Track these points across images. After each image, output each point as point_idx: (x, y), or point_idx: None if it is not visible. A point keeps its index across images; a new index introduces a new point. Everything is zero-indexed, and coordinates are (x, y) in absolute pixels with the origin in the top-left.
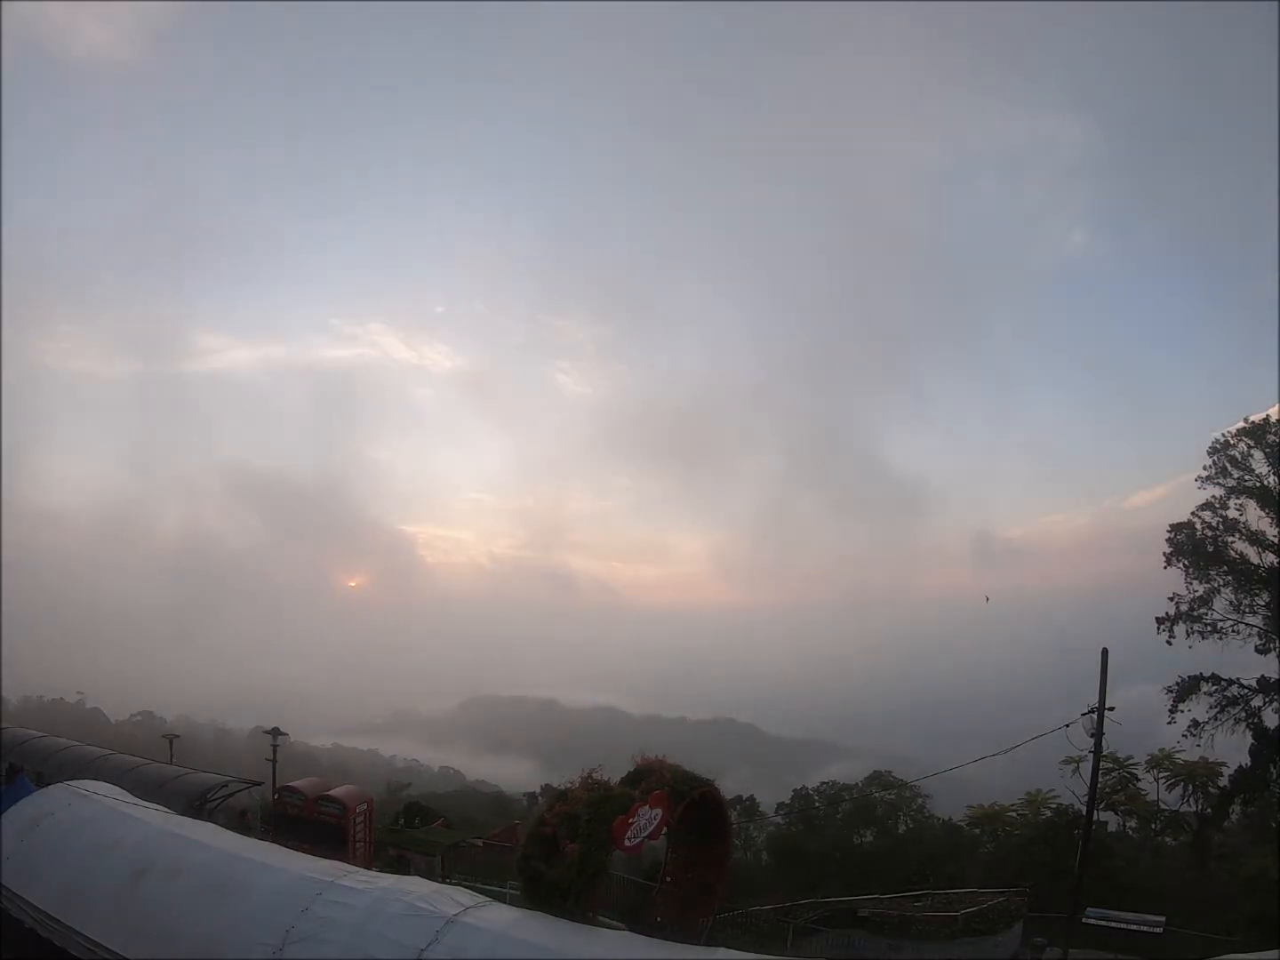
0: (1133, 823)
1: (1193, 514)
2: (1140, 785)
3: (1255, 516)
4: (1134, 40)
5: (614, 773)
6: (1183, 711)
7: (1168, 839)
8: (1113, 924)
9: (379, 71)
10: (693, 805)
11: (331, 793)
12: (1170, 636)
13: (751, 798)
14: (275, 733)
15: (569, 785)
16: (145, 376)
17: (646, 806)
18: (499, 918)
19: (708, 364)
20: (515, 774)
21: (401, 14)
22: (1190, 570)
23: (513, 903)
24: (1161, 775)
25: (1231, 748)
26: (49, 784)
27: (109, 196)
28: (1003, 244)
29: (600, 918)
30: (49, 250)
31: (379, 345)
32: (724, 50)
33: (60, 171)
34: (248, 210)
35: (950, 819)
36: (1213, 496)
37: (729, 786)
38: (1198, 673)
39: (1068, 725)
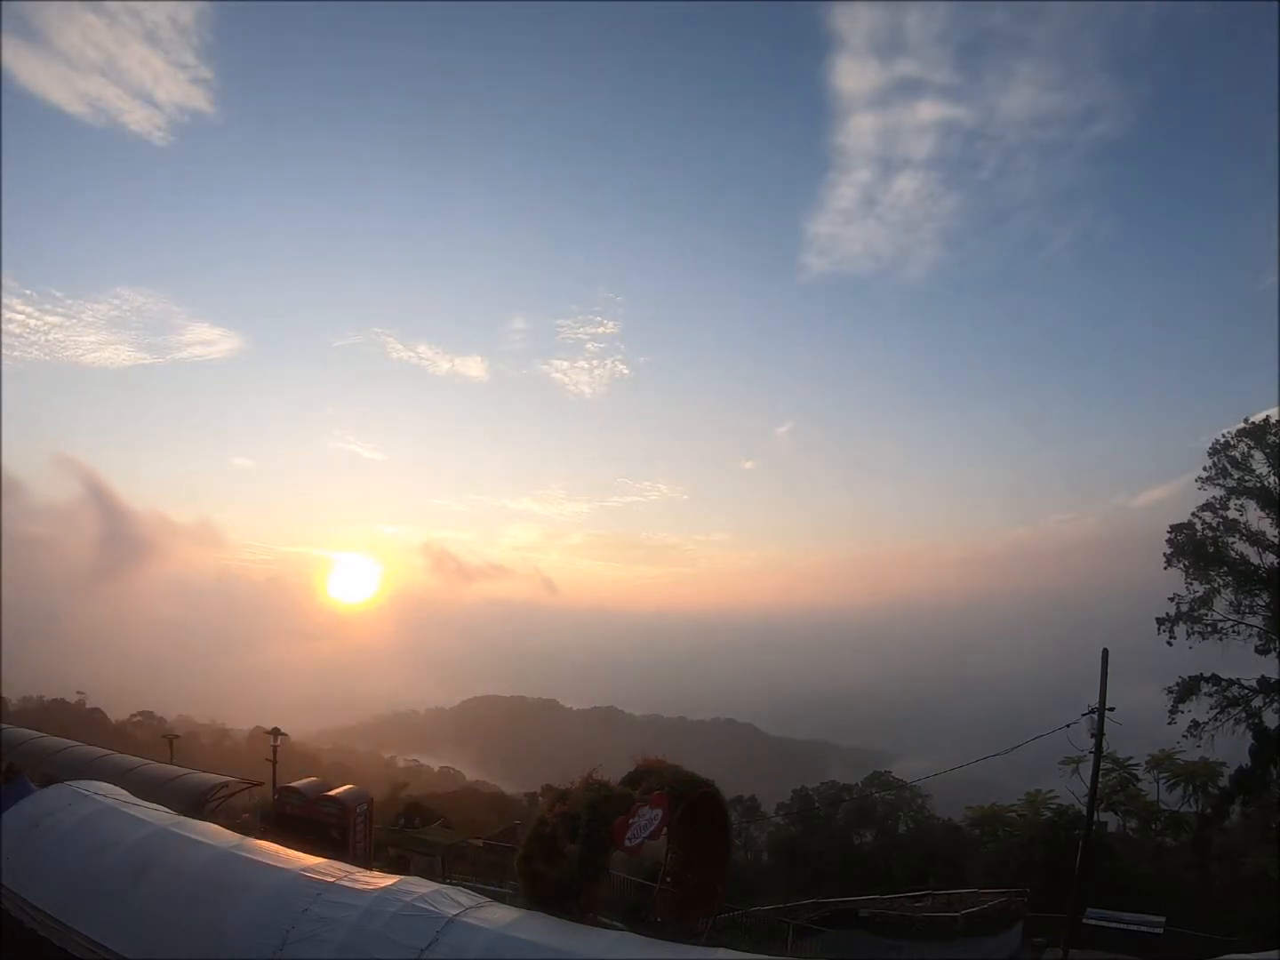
0: (1133, 823)
1: (1193, 514)
2: (1140, 786)
3: (1255, 517)
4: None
5: (614, 773)
6: (1183, 712)
7: (1168, 839)
8: (1113, 924)
9: (382, 80)
10: (693, 805)
11: (331, 793)
12: (1171, 637)
13: (752, 798)
14: (275, 733)
15: (569, 785)
16: (147, 369)
17: (646, 807)
18: (499, 918)
19: (709, 364)
20: (515, 774)
21: (401, 30)
22: (1190, 571)
23: (512, 903)
24: (1162, 776)
25: (1231, 748)
26: (49, 784)
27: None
28: (1008, 242)
29: (600, 918)
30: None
31: (379, 345)
32: (738, 48)
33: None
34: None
35: (950, 819)
36: (1213, 497)
37: (729, 787)
38: (1198, 673)
39: (1069, 725)
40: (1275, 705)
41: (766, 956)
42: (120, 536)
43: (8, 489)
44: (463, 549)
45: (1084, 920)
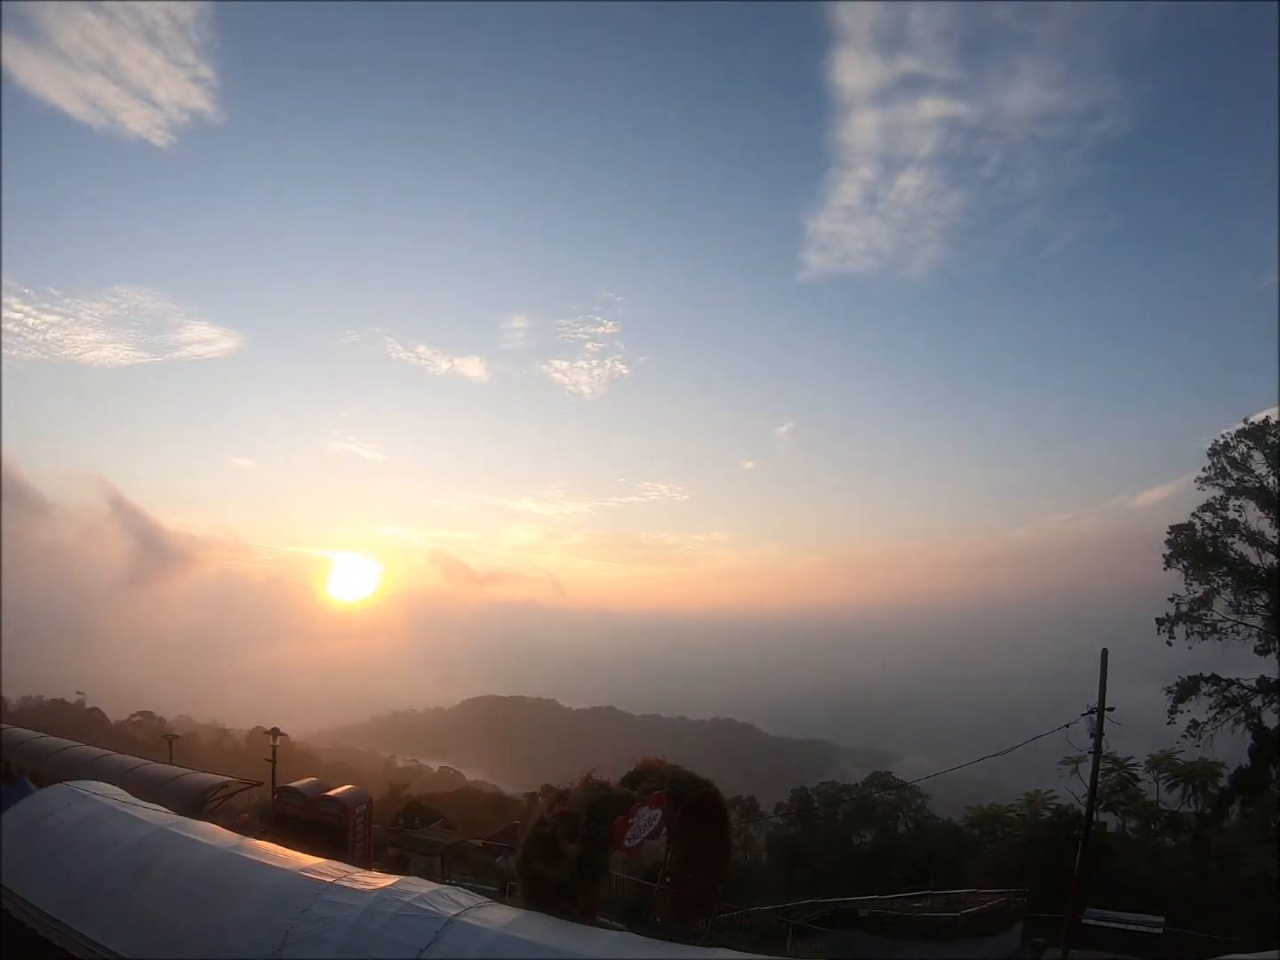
0: (1132, 823)
1: (1193, 515)
2: (1140, 786)
3: (1255, 517)
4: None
5: (614, 773)
6: (1182, 712)
7: (1167, 839)
8: (1112, 924)
9: (387, 84)
10: (692, 806)
11: (331, 793)
12: (1170, 637)
13: (751, 798)
14: (275, 733)
15: (569, 785)
16: (145, 367)
17: (646, 807)
18: (498, 918)
19: (709, 365)
20: (515, 774)
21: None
22: (1190, 571)
23: (512, 903)
24: (1161, 776)
25: (1231, 748)
26: (49, 784)
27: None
28: (1011, 240)
29: (600, 918)
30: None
31: (379, 345)
32: (739, 45)
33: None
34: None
35: (950, 819)
36: (1213, 498)
37: (728, 787)
38: (1197, 673)
39: (1068, 725)
40: (1275, 705)
41: (766, 956)
42: (119, 537)
43: (19, 495)
44: (462, 549)
45: (1083, 920)
